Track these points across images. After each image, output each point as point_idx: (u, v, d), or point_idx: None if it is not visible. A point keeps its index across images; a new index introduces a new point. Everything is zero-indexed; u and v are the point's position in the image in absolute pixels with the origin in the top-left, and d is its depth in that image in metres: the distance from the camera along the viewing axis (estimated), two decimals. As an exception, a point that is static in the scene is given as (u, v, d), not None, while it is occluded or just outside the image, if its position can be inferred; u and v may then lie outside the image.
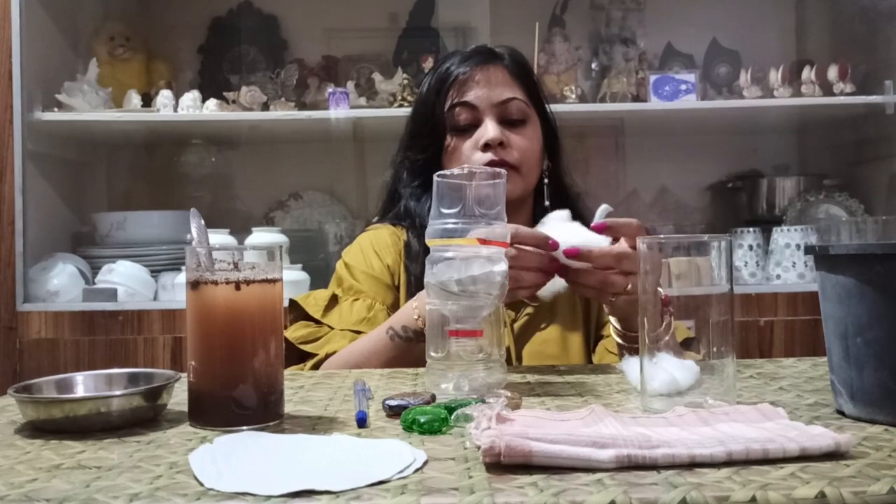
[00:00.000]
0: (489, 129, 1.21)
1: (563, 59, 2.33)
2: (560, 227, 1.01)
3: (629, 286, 0.95)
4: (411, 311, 1.07)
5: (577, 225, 1.03)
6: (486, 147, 1.21)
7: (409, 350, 1.07)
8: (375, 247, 1.29)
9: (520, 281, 0.94)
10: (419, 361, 0.98)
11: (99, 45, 2.35)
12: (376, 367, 1.07)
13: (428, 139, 1.26)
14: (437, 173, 0.88)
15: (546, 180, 1.28)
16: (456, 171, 0.87)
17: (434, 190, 0.88)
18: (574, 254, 0.95)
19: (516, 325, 1.22)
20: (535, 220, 1.28)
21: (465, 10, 2.44)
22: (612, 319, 1.08)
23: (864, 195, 2.30)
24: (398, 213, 1.31)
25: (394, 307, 1.22)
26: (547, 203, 1.26)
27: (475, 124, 1.23)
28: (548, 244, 0.95)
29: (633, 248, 0.94)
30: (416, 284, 1.22)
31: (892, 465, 0.57)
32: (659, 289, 0.93)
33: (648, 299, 0.78)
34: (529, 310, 1.24)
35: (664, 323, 1.03)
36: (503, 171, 0.89)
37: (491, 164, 1.19)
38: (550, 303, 1.23)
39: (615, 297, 0.99)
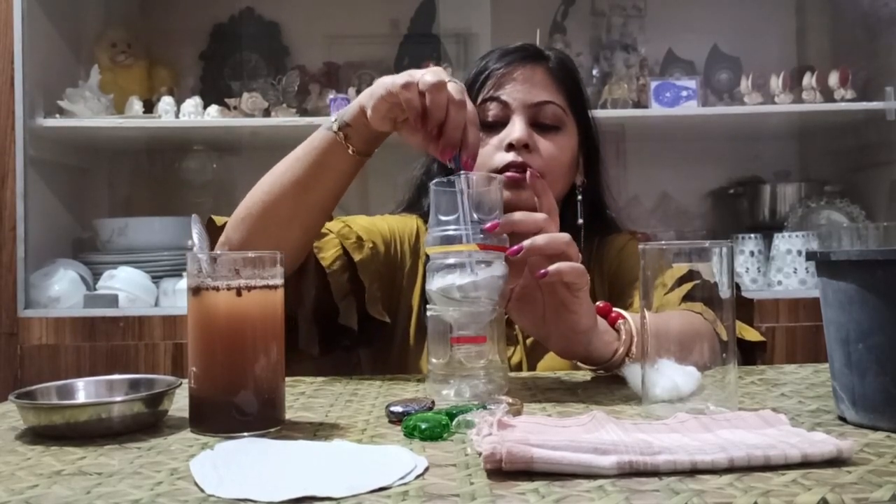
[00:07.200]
0: (516, 129, 1.12)
1: (564, 65, 2.33)
2: None
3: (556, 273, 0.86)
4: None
5: None
6: (510, 147, 1.12)
7: (334, 152, 1.01)
8: (396, 224, 1.24)
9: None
10: (337, 180, 1.04)
11: (101, 51, 2.36)
12: (297, 176, 1.03)
13: None
14: (434, 181, 0.88)
15: (580, 196, 1.20)
16: (452, 177, 0.87)
17: (431, 197, 0.87)
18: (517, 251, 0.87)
19: (528, 341, 1.16)
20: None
21: (466, 16, 2.45)
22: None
23: (866, 201, 2.31)
24: (421, 208, 1.26)
25: (389, 286, 1.19)
26: (580, 221, 1.18)
27: (504, 122, 1.15)
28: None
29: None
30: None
31: (894, 472, 0.57)
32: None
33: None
34: None
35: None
36: (499, 175, 0.89)
37: (511, 165, 1.11)
38: None
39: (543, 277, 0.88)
